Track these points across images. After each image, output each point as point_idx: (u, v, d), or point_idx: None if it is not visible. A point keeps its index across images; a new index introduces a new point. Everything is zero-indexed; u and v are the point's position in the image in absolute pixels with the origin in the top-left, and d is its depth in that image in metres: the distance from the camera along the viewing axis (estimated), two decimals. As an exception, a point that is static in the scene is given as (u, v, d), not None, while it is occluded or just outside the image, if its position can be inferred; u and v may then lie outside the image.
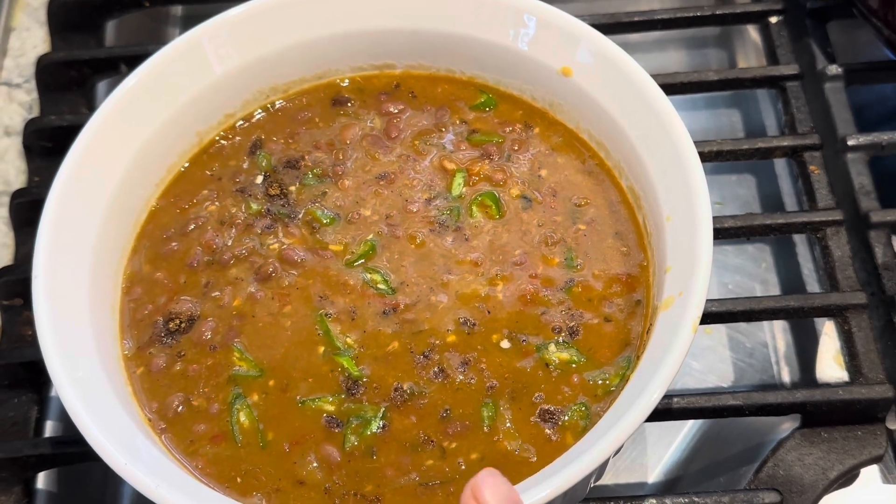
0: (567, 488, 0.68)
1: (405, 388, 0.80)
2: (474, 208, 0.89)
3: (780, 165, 1.18)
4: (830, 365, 1.04)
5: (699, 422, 1.04)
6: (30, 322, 1.02)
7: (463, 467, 0.77)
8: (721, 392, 0.91)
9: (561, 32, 0.88)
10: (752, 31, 1.28)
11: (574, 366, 0.81)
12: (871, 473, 0.94)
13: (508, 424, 0.79)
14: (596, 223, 0.87)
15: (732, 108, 1.27)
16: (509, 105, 0.95)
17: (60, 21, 1.22)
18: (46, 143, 1.12)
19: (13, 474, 0.93)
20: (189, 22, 1.35)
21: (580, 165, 0.91)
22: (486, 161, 0.91)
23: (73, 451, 0.91)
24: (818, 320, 1.05)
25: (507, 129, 0.93)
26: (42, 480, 0.97)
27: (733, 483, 0.98)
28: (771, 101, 1.23)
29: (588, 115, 0.89)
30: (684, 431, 1.05)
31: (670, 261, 0.79)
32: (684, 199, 0.79)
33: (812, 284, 1.10)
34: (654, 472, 1.03)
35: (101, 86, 1.22)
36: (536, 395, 0.80)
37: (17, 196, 1.07)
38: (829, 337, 1.06)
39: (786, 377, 1.07)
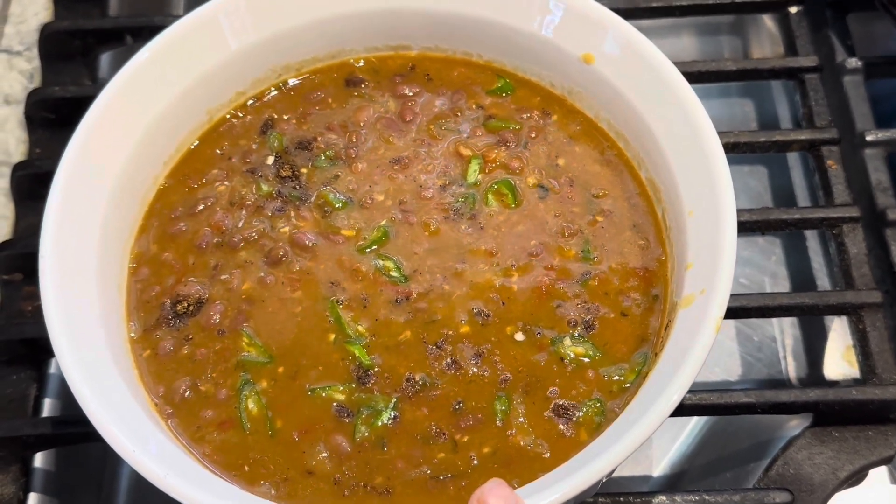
0: (583, 490, 0.67)
1: (417, 378, 0.79)
2: (490, 196, 0.87)
3: (793, 158, 1.17)
4: (839, 362, 1.03)
5: (705, 418, 1.03)
6: (30, 297, 1.00)
7: (475, 462, 0.76)
8: (733, 389, 0.90)
9: (587, 20, 0.86)
10: (768, 20, 1.26)
11: (589, 361, 0.79)
12: (879, 474, 0.93)
13: (522, 419, 0.77)
14: (613, 215, 0.86)
15: (746, 98, 1.25)
16: (527, 91, 0.93)
17: (65, -12, 1.19)
18: (49, 115, 1.09)
19: (11, 453, 0.91)
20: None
21: (598, 155, 0.89)
22: (503, 148, 0.89)
23: (74, 431, 0.90)
24: (828, 317, 1.04)
25: (525, 116, 0.91)
26: (39, 459, 0.96)
27: (739, 479, 0.97)
28: (785, 91, 1.21)
29: (608, 104, 0.88)
30: (691, 425, 1.04)
31: (691, 257, 0.77)
32: (708, 194, 0.77)
33: (822, 279, 1.09)
34: (659, 466, 1.03)
35: (105, 57, 1.19)
36: (551, 389, 0.78)
37: (18, 168, 1.05)
38: (838, 334, 1.05)
39: (793, 373, 1.06)
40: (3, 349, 0.95)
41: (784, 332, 1.09)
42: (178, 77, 0.86)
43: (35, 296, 1.00)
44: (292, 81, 0.94)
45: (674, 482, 1.00)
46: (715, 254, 0.74)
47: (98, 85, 1.13)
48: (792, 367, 1.06)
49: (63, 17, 1.17)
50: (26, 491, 0.93)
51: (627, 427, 0.69)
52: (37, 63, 1.19)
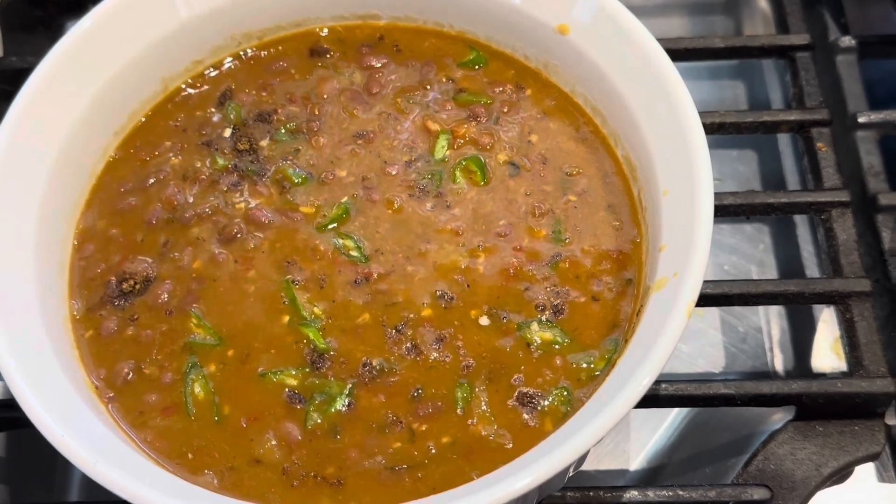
0: (545, 479, 0.63)
1: (374, 364, 0.74)
2: (457, 173, 0.83)
3: (784, 142, 1.12)
4: (827, 354, 0.99)
5: (685, 410, 0.99)
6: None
7: (433, 451, 0.71)
8: (712, 380, 0.86)
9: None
10: (762, 1, 1.22)
11: (557, 347, 0.75)
12: (866, 471, 0.89)
13: (484, 407, 0.73)
14: (587, 194, 0.81)
15: (737, 80, 1.21)
16: (500, 64, 0.88)
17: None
18: (7, 87, 1.04)
19: (-44, 438, 0.87)
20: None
21: (573, 132, 0.84)
22: (473, 123, 0.85)
23: (12, 416, 0.85)
24: (816, 306, 0.99)
25: (497, 90, 0.87)
26: (-9, 445, 0.92)
27: (720, 475, 0.93)
28: (778, 73, 1.16)
29: (585, 77, 0.83)
30: (671, 418, 1.00)
31: (665, 238, 0.73)
32: (684, 173, 0.73)
33: (812, 269, 1.04)
34: (636, 460, 0.98)
35: (69, 27, 1.15)
36: (515, 377, 0.74)
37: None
38: (826, 324, 1.00)
39: (779, 365, 1.01)
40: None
41: (771, 323, 1.04)
42: (128, 43, 0.82)
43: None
44: (252, 51, 0.90)
45: (651, 477, 0.96)
46: (689, 235, 0.69)
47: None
48: (778, 360, 1.02)
49: (23, -12, 1.13)
50: (-27, 478, 0.89)
51: (593, 415, 0.65)
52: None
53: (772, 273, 1.06)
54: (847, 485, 0.88)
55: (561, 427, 0.69)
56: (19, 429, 0.86)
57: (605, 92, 0.82)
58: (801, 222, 1.07)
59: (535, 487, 0.63)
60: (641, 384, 0.64)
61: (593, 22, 0.81)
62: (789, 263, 1.06)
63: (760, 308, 1.04)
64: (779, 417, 0.92)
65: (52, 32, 1.12)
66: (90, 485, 0.98)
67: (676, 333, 0.66)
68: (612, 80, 0.80)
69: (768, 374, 1.00)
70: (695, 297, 0.67)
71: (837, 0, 1.07)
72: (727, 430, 0.97)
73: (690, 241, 0.69)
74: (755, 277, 1.04)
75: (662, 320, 0.67)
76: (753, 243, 1.09)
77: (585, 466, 0.96)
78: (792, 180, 1.09)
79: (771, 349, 1.03)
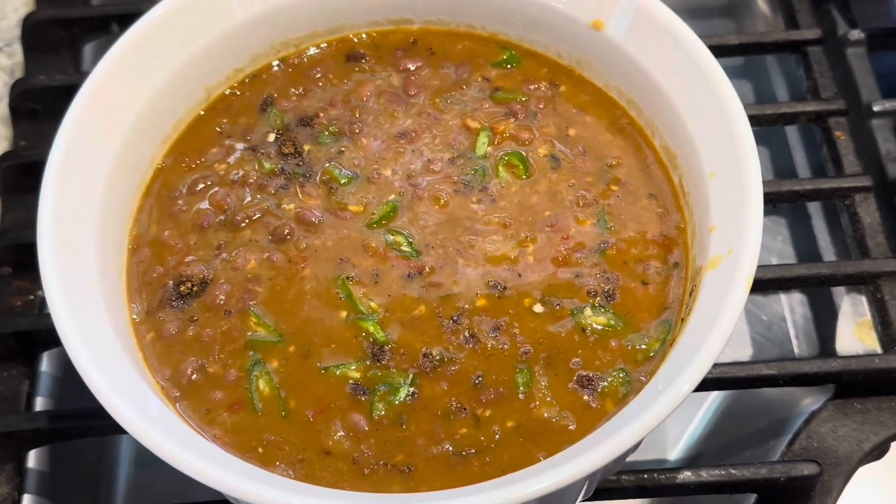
0: (612, 459, 0.64)
1: (434, 353, 0.76)
2: (500, 168, 0.84)
3: (794, 136, 1.15)
4: (851, 339, 1.01)
5: (719, 397, 1.01)
6: (20, 292, 0.97)
7: (498, 436, 0.73)
8: (754, 362, 0.88)
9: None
10: (761, 2, 1.25)
11: (611, 330, 0.77)
12: (903, 447, 0.91)
13: (545, 391, 0.74)
14: (628, 183, 0.83)
15: (742, 80, 1.23)
16: (533, 62, 0.90)
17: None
18: (34, 105, 1.06)
19: (6, 451, 0.88)
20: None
21: (610, 124, 0.87)
22: (511, 120, 0.87)
23: (71, 425, 0.86)
24: (836, 293, 1.02)
25: (532, 87, 0.89)
26: (34, 459, 0.92)
27: (758, 458, 0.94)
28: (783, 70, 1.20)
29: (619, 71, 0.85)
30: (704, 407, 1.02)
31: (715, 219, 0.75)
32: (730, 154, 0.75)
33: (829, 256, 1.07)
34: (674, 450, 1.00)
35: (89, 48, 1.16)
36: (573, 360, 0.76)
37: (4, 159, 1.01)
38: (848, 309, 1.03)
39: (805, 351, 1.04)
40: (-5, 344, 0.91)
41: (794, 311, 1.07)
42: (173, 53, 0.83)
43: (25, 290, 0.97)
44: (291, 58, 0.91)
45: (691, 465, 0.97)
46: (741, 212, 0.72)
47: (85, 73, 1.10)
48: (803, 346, 1.04)
49: (45, 7, 1.14)
50: (21, 492, 0.89)
51: (659, 392, 0.67)
52: (17, 59, 1.16)
53: (792, 262, 1.09)
54: (886, 461, 0.90)
55: (629, 403, 0.70)
56: (81, 438, 0.86)
57: (641, 84, 0.84)
58: (815, 213, 1.09)
59: (602, 466, 0.64)
60: (708, 358, 0.66)
61: (627, 16, 0.83)
62: (808, 254, 1.09)
63: (783, 297, 1.06)
64: (809, 401, 0.95)
65: (74, 53, 1.13)
66: (135, 497, 0.98)
67: (738, 306, 0.68)
68: (649, 71, 0.83)
69: (796, 360, 1.03)
70: (753, 270, 0.70)
71: (844, -5, 1.10)
72: (760, 416, 0.98)
73: (743, 218, 0.71)
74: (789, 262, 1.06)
75: (721, 296, 0.69)
76: (772, 235, 1.11)
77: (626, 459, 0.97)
78: (803, 173, 1.12)
79: (797, 336, 1.05)
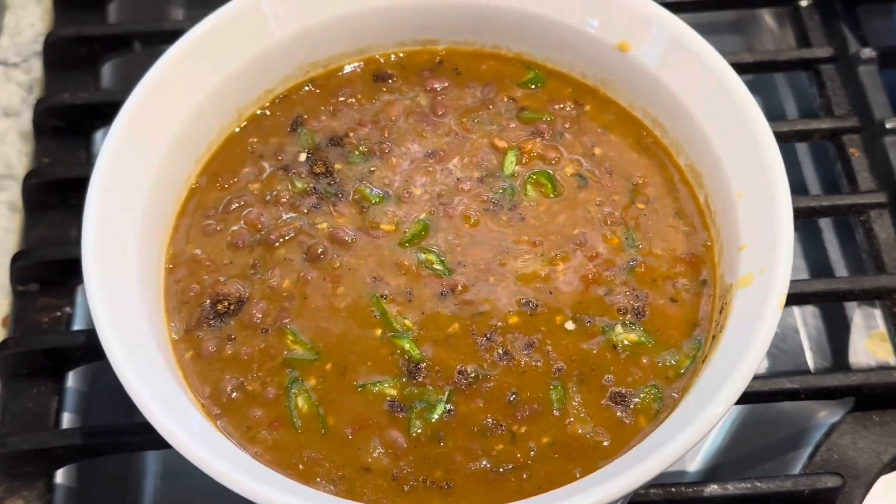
0: (658, 473, 0.66)
1: (469, 371, 0.77)
2: (529, 187, 0.86)
3: (804, 153, 1.17)
4: (863, 350, 1.03)
5: (737, 409, 1.02)
6: (46, 308, 0.97)
7: (534, 452, 0.74)
8: (777, 376, 0.89)
9: (623, 8, 0.85)
10: (768, 18, 1.27)
11: (642, 347, 0.78)
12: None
13: (578, 408, 0.76)
14: (655, 202, 0.85)
15: (753, 96, 1.25)
16: (557, 82, 0.92)
17: (65, -1, 1.17)
18: (58, 122, 1.06)
19: (37, 468, 0.88)
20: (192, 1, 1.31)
21: (635, 143, 0.88)
22: (538, 139, 0.88)
23: (104, 441, 0.87)
24: (848, 306, 1.04)
25: (557, 107, 0.90)
26: (62, 476, 0.92)
27: (777, 470, 0.96)
28: (791, 89, 1.22)
29: (644, 91, 0.87)
30: (722, 420, 1.03)
31: (745, 238, 0.77)
32: (758, 174, 0.77)
33: (840, 271, 1.09)
34: (693, 462, 1.01)
35: (108, 66, 1.16)
36: (605, 377, 0.77)
37: (30, 177, 1.02)
38: (860, 322, 1.05)
39: (818, 364, 1.06)
40: (24, 361, 0.92)
41: (807, 323, 1.09)
42: (214, 70, 0.84)
43: (52, 307, 0.98)
44: (320, 78, 0.92)
45: (711, 477, 0.99)
46: (772, 231, 0.74)
47: (106, 91, 1.12)
48: (817, 357, 1.06)
49: (64, 25, 1.15)
50: (51, 508, 0.89)
51: (696, 413, 0.68)
52: (35, 74, 1.17)
53: (805, 277, 1.11)
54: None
55: (663, 424, 0.72)
56: (113, 454, 0.87)
57: (666, 104, 0.86)
58: (826, 228, 1.12)
59: (643, 484, 0.66)
60: (746, 375, 0.68)
61: (652, 37, 0.85)
62: (819, 269, 1.11)
63: (795, 310, 1.08)
64: (824, 414, 0.96)
65: (94, 71, 1.13)
66: (161, 511, 0.99)
67: (772, 325, 0.70)
68: (674, 91, 0.84)
69: (810, 373, 1.05)
70: (786, 289, 0.71)
71: (854, 14, 1.12)
72: (777, 428, 1.00)
73: (775, 237, 0.73)
74: (806, 278, 1.08)
75: (755, 314, 0.71)
76: (784, 250, 1.13)
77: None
78: (814, 190, 1.14)
79: (811, 348, 1.07)
